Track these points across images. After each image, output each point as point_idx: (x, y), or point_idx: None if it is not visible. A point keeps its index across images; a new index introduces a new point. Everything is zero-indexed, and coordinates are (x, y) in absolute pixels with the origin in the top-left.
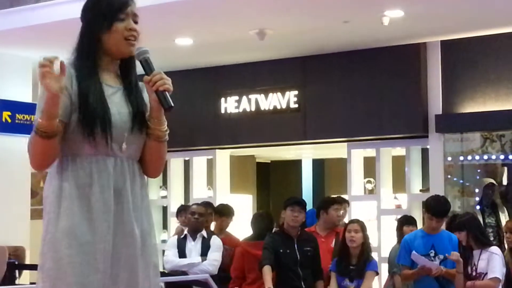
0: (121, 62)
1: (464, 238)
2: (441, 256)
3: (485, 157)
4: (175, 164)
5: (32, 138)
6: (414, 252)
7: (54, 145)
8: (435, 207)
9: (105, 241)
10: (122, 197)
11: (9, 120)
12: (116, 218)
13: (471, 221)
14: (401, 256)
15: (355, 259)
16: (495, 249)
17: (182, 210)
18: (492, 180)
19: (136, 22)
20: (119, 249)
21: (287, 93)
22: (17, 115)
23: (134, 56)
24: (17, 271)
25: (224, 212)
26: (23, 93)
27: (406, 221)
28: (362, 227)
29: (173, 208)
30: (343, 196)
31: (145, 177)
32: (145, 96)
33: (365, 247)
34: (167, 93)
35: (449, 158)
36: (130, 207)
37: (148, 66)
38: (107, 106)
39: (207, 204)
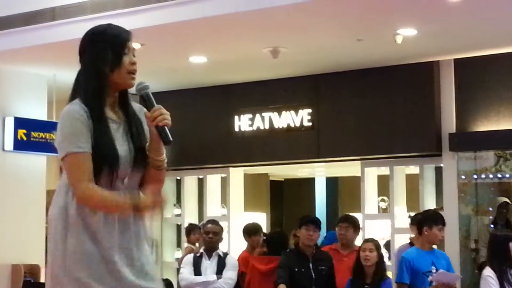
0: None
1: None
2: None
3: (499, 175)
4: (189, 182)
5: (113, 204)
6: (440, 270)
7: None
8: (441, 217)
9: (112, 263)
10: (126, 226)
11: (25, 138)
12: (121, 245)
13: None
14: (402, 274)
15: (370, 278)
16: None
17: (191, 230)
18: (506, 199)
19: (134, 56)
20: (125, 274)
21: (301, 111)
22: (32, 133)
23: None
24: None
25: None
26: (38, 111)
27: None
28: (376, 246)
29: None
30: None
31: None
32: (145, 126)
33: (379, 266)
34: (166, 128)
35: (463, 177)
36: (132, 235)
37: (149, 101)
38: (116, 147)
39: (216, 222)
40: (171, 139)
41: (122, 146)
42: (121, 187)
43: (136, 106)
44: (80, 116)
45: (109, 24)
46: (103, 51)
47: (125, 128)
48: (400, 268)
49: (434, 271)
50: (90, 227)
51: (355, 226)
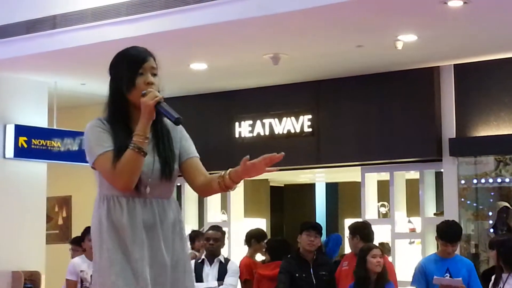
0: None
1: (494, 257)
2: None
3: (499, 180)
4: (189, 188)
5: (128, 158)
6: (435, 277)
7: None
8: (448, 233)
9: (142, 270)
10: (153, 231)
11: (25, 145)
12: (150, 251)
13: (505, 243)
14: (415, 279)
15: (373, 284)
16: None
17: (195, 236)
18: (506, 204)
19: (155, 75)
20: (155, 277)
21: (301, 117)
22: (33, 140)
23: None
24: None
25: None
26: (39, 118)
27: None
28: (381, 251)
29: (187, 232)
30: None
31: (178, 208)
32: (176, 144)
33: (383, 270)
34: (164, 106)
35: (463, 182)
36: (161, 239)
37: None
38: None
39: (217, 228)
40: (178, 115)
41: (147, 158)
42: (146, 195)
43: (168, 122)
44: (99, 125)
45: (133, 46)
46: (121, 72)
47: (153, 143)
48: (415, 273)
49: (447, 277)
50: (121, 240)
51: None
